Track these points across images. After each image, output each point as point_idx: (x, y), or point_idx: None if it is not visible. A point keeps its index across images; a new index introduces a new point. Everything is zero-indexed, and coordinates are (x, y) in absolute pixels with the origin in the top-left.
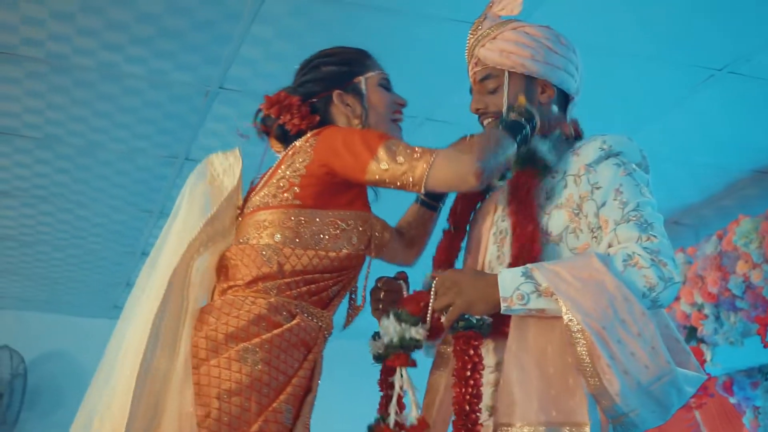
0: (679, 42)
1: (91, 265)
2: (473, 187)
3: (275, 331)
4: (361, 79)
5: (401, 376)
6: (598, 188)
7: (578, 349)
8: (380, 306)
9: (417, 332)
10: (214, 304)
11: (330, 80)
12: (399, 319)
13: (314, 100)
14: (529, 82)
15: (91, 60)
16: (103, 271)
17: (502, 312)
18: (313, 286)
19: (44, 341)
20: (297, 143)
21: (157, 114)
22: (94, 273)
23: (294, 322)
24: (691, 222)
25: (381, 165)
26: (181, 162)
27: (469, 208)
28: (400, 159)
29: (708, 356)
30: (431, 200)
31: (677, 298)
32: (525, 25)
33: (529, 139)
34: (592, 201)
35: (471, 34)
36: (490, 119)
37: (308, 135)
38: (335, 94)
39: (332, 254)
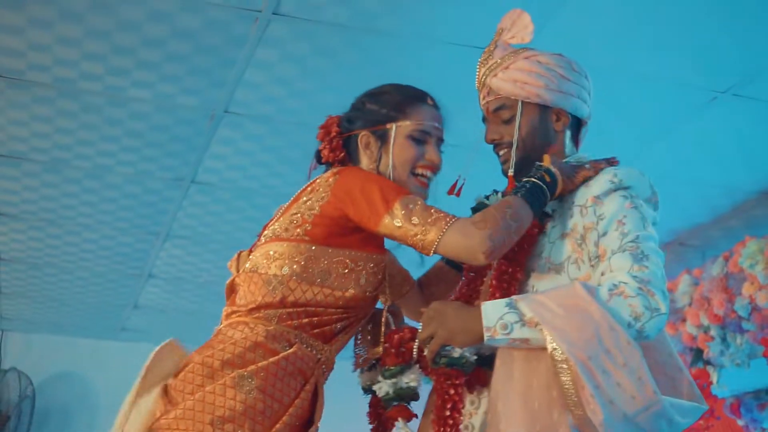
0: (684, 63)
1: (98, 287)
2: (481, 263)
3: (271, 359)
4: (392, 126)
5: (400, 428)
6: (602, 219)
7: (562, 378)
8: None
9: (410, 379)
10: (217, 331)
11: (364, 119)
12: (386, 376)
13: (348, 134)
14: (543, 110)
15: (97, 84)
16: (111, 293)
17: (485, 342)
18: (315, 318)
19: (52, 363)
20: (317, 179)
21: (163, 137)
22: (101, 295)
23: (291, 350)
24: (698, 243)
25: (395, 221)
26: (187, 184)
27: None
28: (415, 220)
29: (714, 378)
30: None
31: (683, 320)
32: (537, 53)
33: (548, 202)
34: (595, 231)
35: (481, 62)
36: (505, 150)
37: (329, 173)
38: (361, 134)
39: (338, 293)
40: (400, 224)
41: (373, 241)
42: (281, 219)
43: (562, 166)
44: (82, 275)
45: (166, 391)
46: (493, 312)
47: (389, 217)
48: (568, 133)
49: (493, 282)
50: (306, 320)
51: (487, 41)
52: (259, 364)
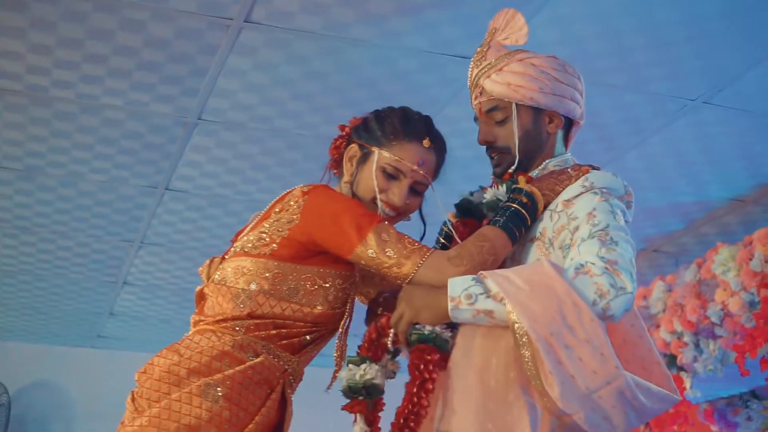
0: (654, 72)
1: (74, 294)
2: None
3: (238, 368)
4: (376, 150)
5: (359, 422)
6: (574, 219)
7: (523, 351)
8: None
9: (366, 372)
10: (184, 337)
11: (362, 132)
12: (348, 363)
13: (349, 139)
14: (536, 113)
15: (70, 92)
16: (86, 300)
17: (450, 313)
18: (283, 330)
19: (28, 371)
20: (287, 194)
21: (136, 145)
22: (77, 302)
23: (257, 360)
24: (671, 250)
25: (368, 251)
26: (161, 192)
27: None
28: (389, 252)
29: (688, 384)
30: None
31: (657, 326)
32: (531, 56)
33: (528, 225)
34: (567, 231)
35: (474, 62)
36: (498, 152)
37: (299, 190)
38: (351, 146)
39: (306, 309)
40: (374, 255)
41: (341, 258)
42: (250, 234)
43: (543, 178)
44: (57, 282)
45: (133, 398)
46: (459, 284)
47: (363, 246)
48: (559, 134)
49: None
50: (274, 332)
51: (460, 49)
52: (226, 373)
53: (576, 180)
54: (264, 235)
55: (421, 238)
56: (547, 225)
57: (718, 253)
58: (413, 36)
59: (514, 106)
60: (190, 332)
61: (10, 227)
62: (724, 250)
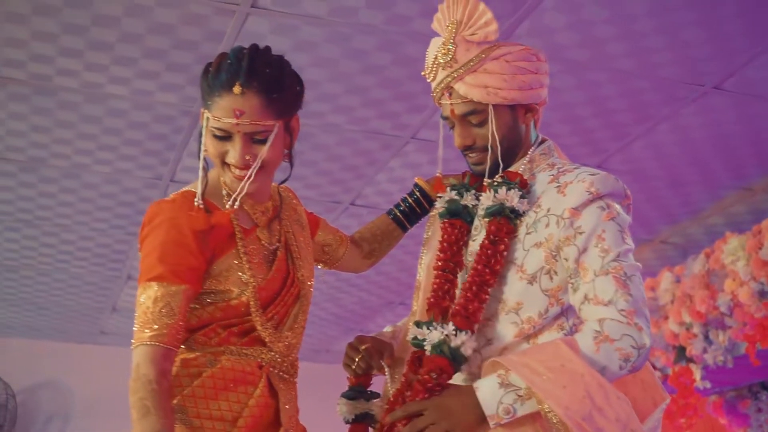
0: (663, 58)
1: (76, 289)
2: None
3: (195, 383)
4: (205, 113)
5: None
6: (581, 233)
7: None
8: (353, 366)
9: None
10: None
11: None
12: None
13: None
14: (512, 109)
15: (74, 81)
16: (89, 296)
17: (491, 427)
18: (234, 328)
19: (30, 368)
20: None
21: (141, 135)
22: (80, 298)
23: (216, 366)
24: (679, 240)
25: (140, 298)
26: (165, 183)
27: (461, 250)
28: (136, 314)
29: (697, 375)
30: (406, 220)
31: (665, 318)
32: (504, 52)
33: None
34: (574, 246)
35: (442, 62)
36: (477, 153)
37: None
38: (201, 110)
39: (234, 302)
40: (137, 307)
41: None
42: None
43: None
44: (60, 277)
45: None
46: (490, 397)
47: (141, 289)
48: (532, 122)
49: (466, 286)
50: (224, 333)
51: None
52: (184, 393)
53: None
54: None
55: (285, 181)
56: (553, 232)
57: (726, 242)
58: (421, 21)
59: (490, 107)
60: None
61: (13, 220)
62: (733, 240)
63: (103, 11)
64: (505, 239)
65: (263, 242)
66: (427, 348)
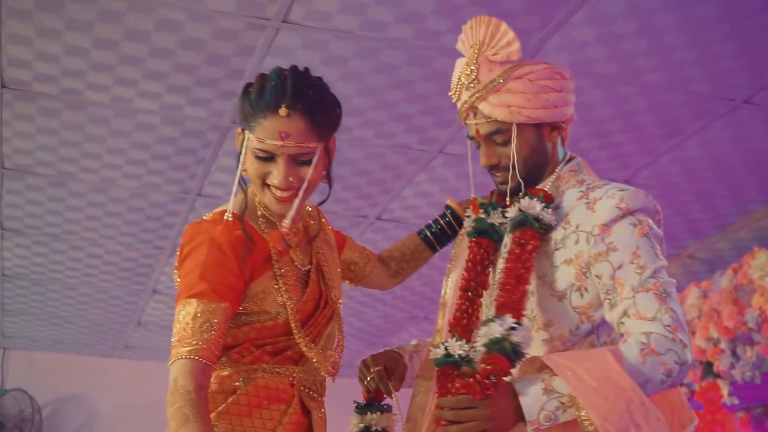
0: (693, 72)
1: (102, 303)
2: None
3: (230, 400)
4: (246, 134)
5: None
6: (614, 250)
7: None
8: (365, 383)
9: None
10: None
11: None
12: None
13: None
14: (538, 128)
15: (104, 95)
16: (115, 309)
17: (528, 428)
18: (268, 347)
19: (56, 382)
20: None
21: (170, 150)
22: (105, 311)
23: (250, 385)
24: (706, 255)
25: (179, 315)
26: (193, 198)
27: (486, 270)
28: (184, 332)
29: (725, 391)
30: (436, 242)
31: (692, 333)
32: (527, 71)
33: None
34: (608, 263)
35: (466, 82)
36: (501, 173)
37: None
38: (237, 130)
39: (269, 323)
40: (176, 324)
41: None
42: None
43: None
44: (86, 291)
45: None
46: (533, 404)
47: (181, 306)
48: (559, 139)
49: (502, 282)
50: (258, 351)
51: None
52: (219, 409)
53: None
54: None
55: (324, 202)
56: (583, 248)
57: (755, 258)
58: (451, 36)
59: (514, 126)
60: None
61: (41, 234)
62: (762, 255)
63: (135, 26)
64: (532, 242)
65: (297, 263)
66: (484, 343)
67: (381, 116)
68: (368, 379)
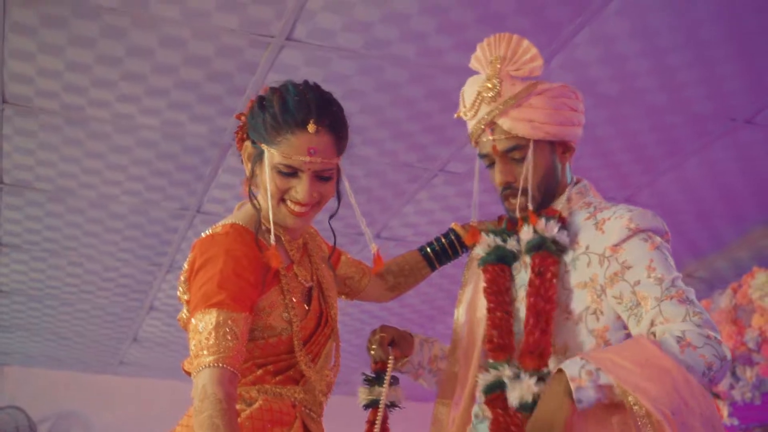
0: (696, 92)
1: (98, 320)
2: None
3: None
4: (266, 149)
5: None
6: (628, 267)
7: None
8: (371, 352)
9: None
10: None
11: (251, 126)
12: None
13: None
14: (551, 146)
15: (106, 112)
16: (111, 326)
17: (574, 396)
18: (270, 366)
19: (51, 398)
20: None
21: (170, 166)
22: (101, 328)
23: (255, 407)
24: (705, 275)
25: (198, 325)
26: (192, 214)
27: (509, 291)
28: (202, 342)
29: (725, 412)
30: (436, 260)
31: None
32: (547, 88)
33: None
34: (625, 282)
35: (487, 97)
36: (514, 195)
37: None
38: (246, 143)
39: (272, 340)
40: (192, 338)
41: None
42: None
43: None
44: (83, 307)
45: None
46: (572, 365)
47: (199, 316)
48: (568, 162)
49: (530, 321)
50: (260, 371)
51: None
52: None
53: (611, 219)
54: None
55: (333, 216)
56: (597, 271)
57: (754, 277)
58: (454, 54)
59: (532, 143)
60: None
61: (39, 250)
62: (761, 275)
63: (139, 43)
64: (551, 268)
65: (300, 279)
66: (515, 403)
67: (382, 134)
68: (373, 346)
